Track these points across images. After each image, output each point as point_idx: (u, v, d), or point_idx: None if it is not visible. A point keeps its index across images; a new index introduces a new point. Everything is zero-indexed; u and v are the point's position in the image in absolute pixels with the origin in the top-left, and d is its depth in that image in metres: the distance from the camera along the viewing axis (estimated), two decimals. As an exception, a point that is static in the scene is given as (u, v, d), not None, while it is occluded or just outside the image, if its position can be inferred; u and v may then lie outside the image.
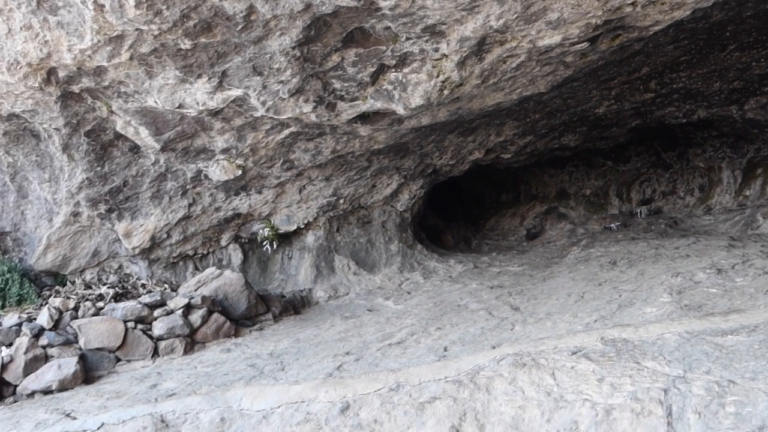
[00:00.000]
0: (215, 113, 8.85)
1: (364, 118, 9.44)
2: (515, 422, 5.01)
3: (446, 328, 8.45)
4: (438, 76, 8.49)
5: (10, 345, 8.72)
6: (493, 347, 6.86)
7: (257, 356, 8.27)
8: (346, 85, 8.53)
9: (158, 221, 10.61)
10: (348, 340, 8.53)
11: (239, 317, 9.88)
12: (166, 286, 10.49)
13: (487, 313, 8.99)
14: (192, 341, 9.20)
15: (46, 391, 8.22)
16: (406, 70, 8.48)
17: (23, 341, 8.62)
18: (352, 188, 11.46)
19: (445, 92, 8.73)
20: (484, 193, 20.18)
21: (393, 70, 8.49)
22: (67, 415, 6.91)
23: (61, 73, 8.41)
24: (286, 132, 9.52)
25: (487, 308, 9.30)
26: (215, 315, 9.49)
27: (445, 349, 7.35)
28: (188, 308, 9.35)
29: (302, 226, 11.64)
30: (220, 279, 10.01)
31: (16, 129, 9.58)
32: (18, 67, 8.29)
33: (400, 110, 8.91)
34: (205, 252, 11.47)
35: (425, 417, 5.32)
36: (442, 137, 11.58)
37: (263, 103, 8.51)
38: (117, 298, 9.85)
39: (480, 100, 9.69)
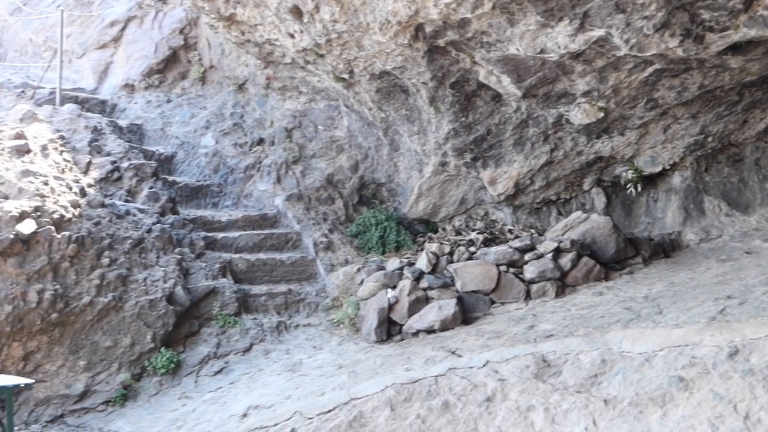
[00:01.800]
0: (576, 56, 9.03)
1: (735, 48, 9.03)
2: None
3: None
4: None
5: (394, 287, 9.80)
6: None
7: (631, 299, 8.46)
8: (715, 14, 8.22)
9: (521, 168, 11.11)
10: (727, 284, 8.38)
11: (608, 261, 10.10)
12: (532, 230, 11.00)
13: None
14: (563, 284, 9.62)
15: (429, 330, 9.15)
16: (787, -12, 7.97)
17: (406, 284, 9.65)
18: (720, 125, 11.01)
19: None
20: None
21: (771, -10, 8.02)
22: (453, 353, 7.69)
23: (428, 29, 9.13)
24: (650, 70, 9.42)
25: None
26: (584, 258, 9.81)
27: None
28: (557, 252, 9.77)
29: (667, 167, 11.46)
30: (587, 223, 10.28)
31: (386, 86, 10.57)
32: (389, 26, 9.15)
33: (780, 33, 8.40)
34: (567, 197, 11.78)
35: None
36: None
37: (626, 42, 8.52)
38: (486, 243, 10.55)
39: None
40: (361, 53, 9.87)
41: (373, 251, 11.24)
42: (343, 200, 12.07)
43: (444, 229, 11.75)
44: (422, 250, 10.62)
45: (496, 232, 11.03)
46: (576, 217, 10.58)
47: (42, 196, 9.20)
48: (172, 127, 12.86)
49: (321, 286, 10.75)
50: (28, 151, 10.01)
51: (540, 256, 9.74)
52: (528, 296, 9.54)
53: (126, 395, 8.69)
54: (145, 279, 9.42)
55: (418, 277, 9.75)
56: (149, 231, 9.95)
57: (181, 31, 13.62)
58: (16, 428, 7.14)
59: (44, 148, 10.22)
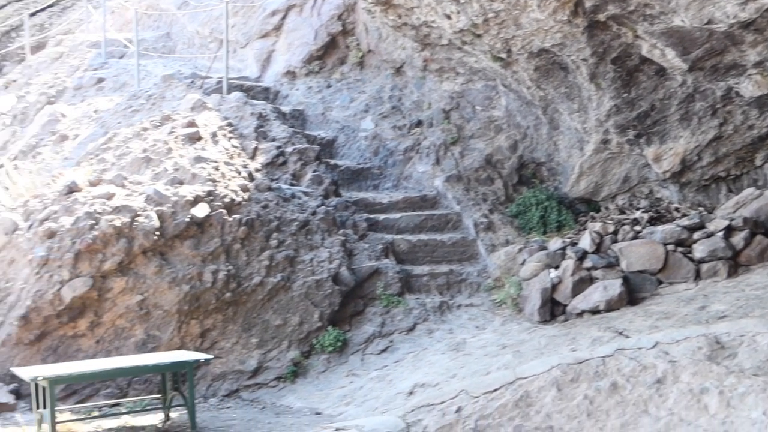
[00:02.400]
0: (746, 25, 8.65)
1: None
2: None
3: None
4: None
5: (556, 267, 9.75)
6: None
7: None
8: None
9: (687, 144, 10.75)
10: None
11: (784, 238, 9.67)
12: (700, 208, 10.64)
13: None
14: (735, 264, 9.27)
15: (594, 311, 9.06)
16: None
17: (569, 264, 9.59)
18: None
19: None
20: None
21: None
22: (620, 333, 7.60)
23: (587, 4, 9.00)
24: (831, 34, 8.93)
25: None
26: (758, 237, 9.41)
27: None
28: (729, 230, 9.42)
29: None
30: (761, 199, 9.84)
31: (545, 63, 10.48)
32: (547, 3, 9.09)
33: None
34: (738, 173, 11.30)
35: None
36: None
37: (804, 5, 8.11)
38: (651, 222, 10.30)
39: None
40: (519, 32, 9.83)
41: (533, 231, 11.20)
42: (503, 180, 12.07)
43: (607, 208, 11.54)
44: (585, 229, 10.49)
45: (662, 211, 10.74)
46: (749, 194, 10.16)
47: (213, 181, 9.73)
48: (332, 112, 13.23)
49: (482, 266, 10.82)
50: (200, 139, 10.59)
51: (710, 235, 9.43)
52: (698, 276, 9.26)
53: (296, 372, 9.10)
54: (311, 260, 9.80)
55: (582, 256, 9.65)
56: (314, 213, 10.32)
57: (339, 17, 13.95)
58: (195, 401, 7.62)
59: (214, 135, 10.78)
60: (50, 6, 25.06)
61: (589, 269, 9.50)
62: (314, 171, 11.22)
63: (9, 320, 8.50)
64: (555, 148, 11.89)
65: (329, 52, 13.97)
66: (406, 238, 11.01)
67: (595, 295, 9.10)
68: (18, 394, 8.26)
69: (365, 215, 11.13)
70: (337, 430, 6.68)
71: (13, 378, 8.13)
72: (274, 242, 9.70)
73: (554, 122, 11.58)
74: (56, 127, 13.73)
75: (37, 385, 7.14)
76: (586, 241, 9.83)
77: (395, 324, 9.71)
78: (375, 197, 11.73)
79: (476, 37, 10.30)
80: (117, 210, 8.97)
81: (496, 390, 6.73)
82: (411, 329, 9.67)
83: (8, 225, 9.26)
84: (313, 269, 9.74)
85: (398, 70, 13.12)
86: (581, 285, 9.35)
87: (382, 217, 11.27)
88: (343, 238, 10.32)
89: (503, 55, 10.48)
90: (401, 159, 12.48)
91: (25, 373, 7.18)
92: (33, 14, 24.67)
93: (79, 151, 12.11)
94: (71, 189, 9.38)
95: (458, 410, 6.68)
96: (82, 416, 7.80)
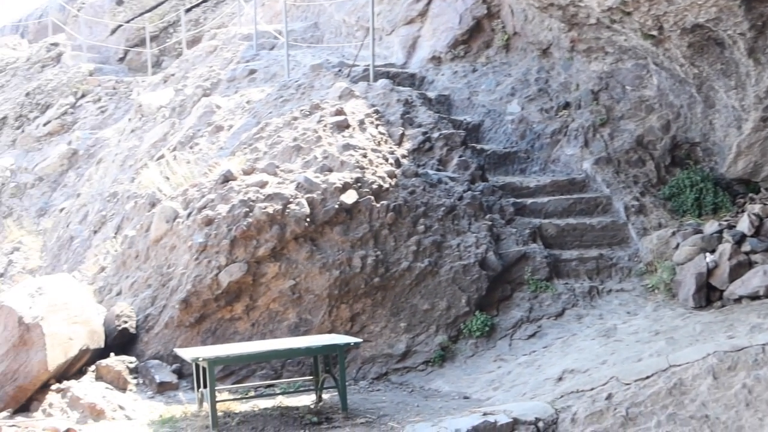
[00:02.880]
0: None
1: None
2: None
3: None
4: None
5: (712, 251, 9.42)
6: None
7: None
8: None
9: None
10: None
11: None
12: None
13: None
14: None
15: (753, 297, 8.71)
16: None
17: (726, 248, 9.24)
18: None
19: None
20: None
21: None
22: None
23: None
24: None
25: None
26: None
27: None
28: None
29: None
30: None
31: (699, 40, 10.10)
32: (701, -23, 8.78)
33: None
34: None
35: None
36: None
37: None
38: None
39: None
40: (671, 7, 9.51)
41: (688, 214, 10.84)
42: (654, 162, 11.72)
43: (767, 189, 11.03)
44: (743, 212, 10.07)
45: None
46: None
47: (361, 167, 9.94)
48: (478, 96, 13.22)
49: (633, 250, 10.57)
50: (348, 126, 10.84)
51: None
52: None
53: (443, 356, 9.20)
54: (458, 245, 9.87)
55: (740, 240, 9.28)
56: (460, 198, 10.37)
57: (484, 1, 13.91)
58: (346, 383, 7.84)
59: (361, 122, 11.00)
60: (205, 1, 26.17)
61: (747, 253, 9.13)
62: (460, 156, 11.26)
63: (171, 303, 9.02)
64: (710, 128, 11.44)
65: (474, 36, 13.96)
66: (554, 222, 10.90)
67: (755, 280, 8.74)
68: (180, 373, 8.76)
69: (512, 200, 11.09)
70: (485, 414, 6.75)
71: (176, 358, 8.64)
72: (421, 228, 9.83)
73: (709, 100, 11.14)
74: (212, 119, 14.36)
75: (197, 366, 7.56)
76: (744, 224, 9.45)
77: (543, 309, 9.65)
78: (522, 181, 11.66)
79: (626, 14, 10.04)
80: (270, 198, 9.33)
81: (648, 377, 6.63)
82: (560, 314, 9.58)
83: (169, 213, 9.80)
84: (460, 254, 9.80)
85: (545, 52, 12.96)
86: (739, 269, 9.00)
87: (529, 201, 11.20)
88: (490, 223, 10.33)
89: (654, 33, 10.18)
90: (548, 142, 12.34)
91: (186, 354, 7.60)
92: (189, 10, 25.85)
93: (234, 141, 12.64)
94: (227, 178, 9.82)
95: (609, 397, 6.62)
96: (239, 396, 8.19)
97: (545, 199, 11.23)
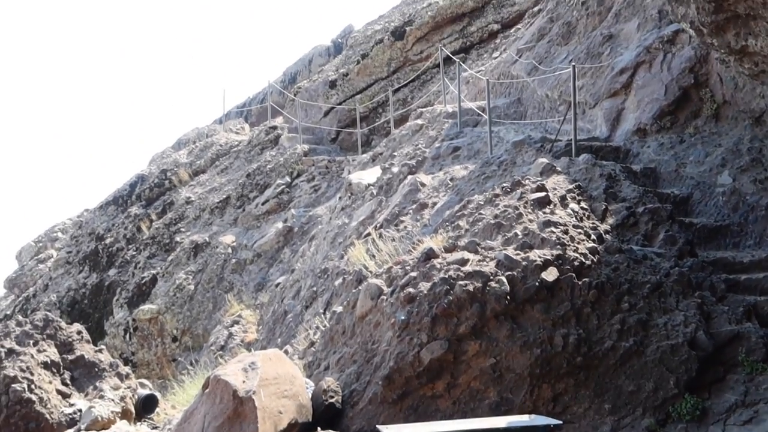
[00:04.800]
0: None
1: None
2: None
3: None
4: None
5: None
6: None
7: None
8: None
9: None
10: None
11: None
12: None
13: None
14: None
15: None
16: None
17: None
18: None
19: None
20: None
21: None
22: None
23: None
24: None
25: None
26: None
27: None
28: None
29: None
30: None
31: None
32: None
33: None
34: None
35: None
36: None
37: None
38: None
39: None
40: None
41: None
42: None
43: None
44: None
45: None
46: None
47: (562, 244, 9.95)
48: (685, 168, 12.87)
49: None
50: (549, 203, 10.90)
51: None
52: None
53: (648, 440, 8.90)
54: (665, 324, 9.59)
55: None
56: (667, 275, 10.10)
57: (691, 70, 13.61)
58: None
59: (563, 198, 11.03)
60: (411, 81, 27.25)
61: None
62: (667, 231, 10.99)
63: (375, 380, 9.35)
64: None
65: (681, 106, 13.66)
66: (772, 299, 10.33)
67: None
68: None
69: (724, 276, 10.64)
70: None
71: (379, 434, 8.92)
72: (625, 305, 9.65)
73: None
74: (416, 196, 14.86)
75: (400, 442, 7.79)
76: None
77: (760, 393, 9.11)
78: (735, 256, 11.17)
79: None
80: (470, 275, 9.53)
81: None
82: (779, 400, 9.03)
83: (374, 290, 10.22)
84: (668, 333, 9.51)
85: (757, 120, 12.46)
86: None
87: (743, 277, 10.69)
88: (700, 300, 9.96)
89: None
90: (764, 214, 11.76)
91: (390, 431, 7.85)
92: (396, 90, 27.00)
93: (437, 219, 13.01)
94: (428, 256, 10.14)
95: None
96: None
97: (761, 275, 10.67)
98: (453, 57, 23.27)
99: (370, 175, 18.51)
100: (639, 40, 15.05)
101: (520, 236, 10.30)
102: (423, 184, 15.24)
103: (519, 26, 24.06)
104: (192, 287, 23.88)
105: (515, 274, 9.55)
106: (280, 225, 23.20)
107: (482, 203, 11.74)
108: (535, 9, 22.99)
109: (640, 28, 15.34)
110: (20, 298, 30.67)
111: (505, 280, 9.47)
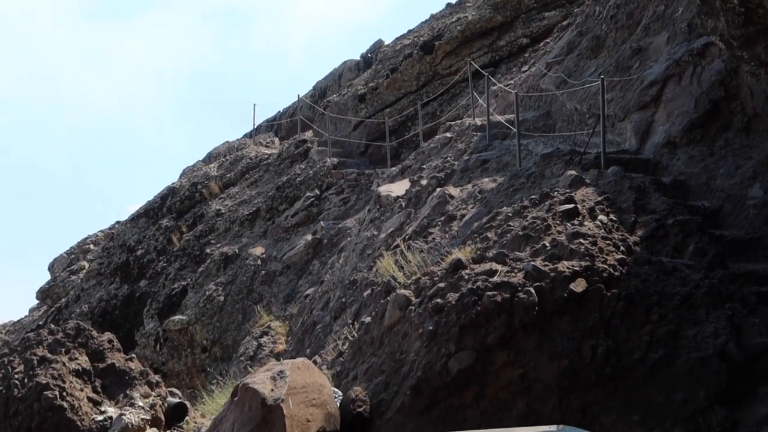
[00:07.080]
0: None
1: None
2: None
3: None
4: None
5: None
6: None
7: None
8: None
9: None
10: None
11: None
12: None
13: None
14: None
15: None
16: None
17: None
18: None
19: None
20: None
21: None
22: None
23: None
24: None
25: None
26: None
27: None
28: None
29: None
30: None
31: None
32: None
33: None
34: None
35: None
36: None
37: None
38: None
39: None
40: None
41: None
42: None
43: None
44: None
45: None
46: None
47: (591, 256, 9.94)
48: (716, 181, 12.80)
49: None
50: (577, 215, 10.90)
51: None
52: None
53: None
54: (695, 335, 9.53)
55: None
56: (697, 287, 10.04)
57: (721, 83, 13.55)
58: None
59: (591, 210, 11.02)
60: (440, 95, 27.34)
61: None
62: (697, 243, 10.93)
63: (403, 390, 9.38)
64: None
65: (711, 119, 13.60)
66: (803, 312, 10.22)
67: None
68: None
69: (755, 288, 10.52)
70: None
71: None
72: (654, 317, 9.61)
73: None
74: (445, 209, 14.91)
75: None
76: None
77: (792, 406, 9.05)
78: (766, 269, 11.07)
79: None
80: (498, 286, 9.55)
81: None
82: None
83: (402, 301, 10.27)
84: (697, 345, 9.45)
85: (789, 132, 12.40)
86: None
87: (774, 290, 10.60)
88: (730, 312, 9.88)
89: None
90: (795, 227, 11.68)
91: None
92: (425, 104, 27.11)
93: (465, 230, 13.04)
94: (457, 267, 10.18)
95: None
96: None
97: (793, 288, 10.59)
98: (482, 71, 23.31)
99: (399, 188, 18.59)
100: (668, 53, 15.02)
101: (548, 248, 10.30)
102: (451, 197, 15.28)
103: (548, 40, 24.06)
104: (222, 298, 24.07)
105: (543, 285, 9.56)
106: (309, 237, 23.34)
107: (510, 215, 11.75)
108: (564, 23, 23.01)
109: (670, 41, 15.32)
110: (52, 309, 31.08)
111: (533, 291, 9.48)
